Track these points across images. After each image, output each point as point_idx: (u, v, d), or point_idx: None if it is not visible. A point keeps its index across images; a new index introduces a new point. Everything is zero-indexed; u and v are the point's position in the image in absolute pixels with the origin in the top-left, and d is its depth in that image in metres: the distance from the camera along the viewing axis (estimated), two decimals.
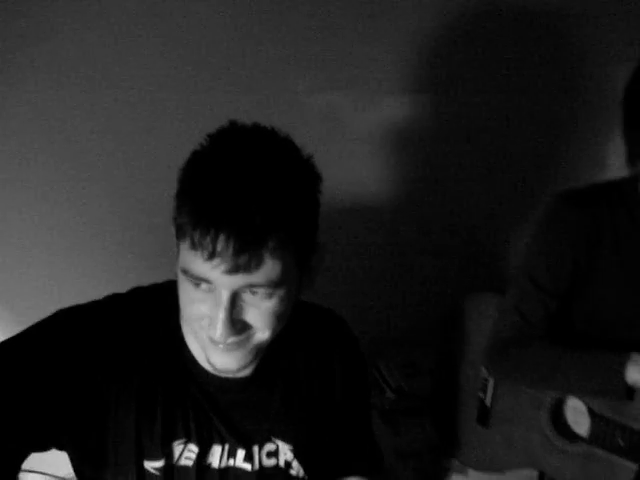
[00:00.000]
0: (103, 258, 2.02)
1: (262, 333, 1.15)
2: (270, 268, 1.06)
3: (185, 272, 1.09)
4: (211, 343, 1.14)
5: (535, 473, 1.91)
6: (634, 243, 1.67)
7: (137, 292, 1.28)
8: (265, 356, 1.25)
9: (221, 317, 1.08)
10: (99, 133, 1.96)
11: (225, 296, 1.08)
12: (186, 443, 1.24)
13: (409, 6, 2.14)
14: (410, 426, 2.27)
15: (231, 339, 1.12)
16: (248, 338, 1.15)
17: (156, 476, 1.24)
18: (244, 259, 1.04)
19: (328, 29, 2.08)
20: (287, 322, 1.20)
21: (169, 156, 1.31)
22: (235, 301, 1.09)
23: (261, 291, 1.09)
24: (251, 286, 1.08)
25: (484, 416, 1.91)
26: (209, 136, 1.13)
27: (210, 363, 1.18)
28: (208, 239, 1.02)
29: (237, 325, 1.12)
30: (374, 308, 2.48)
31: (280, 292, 1.11)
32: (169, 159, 1.26)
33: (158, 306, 1.26)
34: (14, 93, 1.87)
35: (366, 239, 2.43)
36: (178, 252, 1.12)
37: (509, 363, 1.76)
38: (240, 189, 1.03)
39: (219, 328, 1.09)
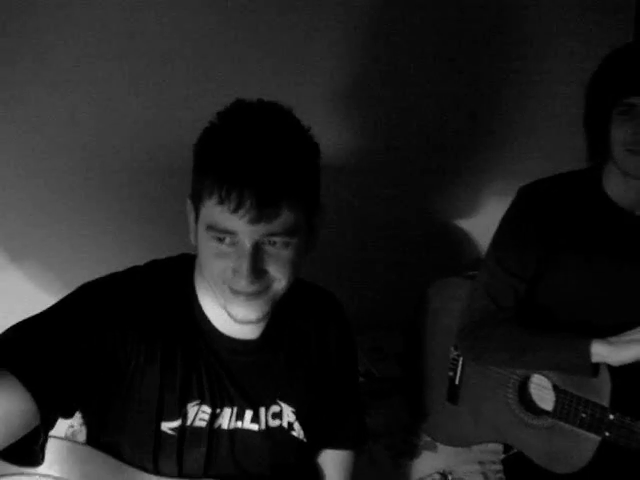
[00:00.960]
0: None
1: (279, 283, 1.27)
2: (286, 218, 1.21)
3: (211, 227, 1.22)
4: (233, 295, 1.26)
5: (500, 447, 2.03)
6: (595, 230, 1.80)
7: (154, 264, 1.40)
8: (270, 323, 1.38)
9: (245, 266, 1.22)
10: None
11: (249, 245, 1.21)
12: (200, 404, 1.34)
13: None
14: (380, 408, 2.35)
15: (253, 287, 1.25)
16: (267, 288, 1.27)
17: (171, 436, 1.33)
18: (266, 210, 1.18)
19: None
20: (291, 295, 1.33)
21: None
22: (257, 252, 1.23)
23: (279, 240, 1.23)
24: (271, 235, 1.22)
25: (454, 394, 2.02)
26: (219, 113, 1.25)
27: (232, 315, 1.29)
28: (234, 194, 1.17)
29: (259, 274, 1.24)
30: (341, 295, 2.56)
31: (294, 241, 1.25)
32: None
33: (174, 275, 1.38)
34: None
35: (332, 227, 2.52)
36: (197, 215, 1.25)
37: (480, 344, 1.86)
38: (258, 154, 1.19)
39: (245, 276, 1.22)
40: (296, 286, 1.36)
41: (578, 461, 1.75)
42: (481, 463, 2.08)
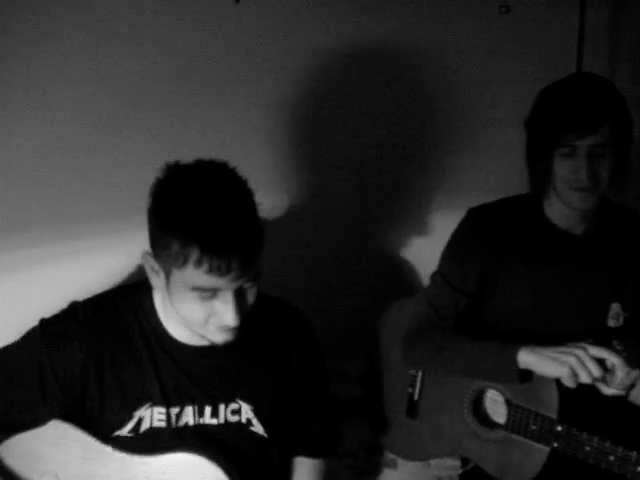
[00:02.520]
0: None
1: (250, 307, 1.51)
2: (256, 268, 1.46)
3: (198, 288, 1.42)
4: (217, 330, 1.49)
5: (458, 463, 2.11)
6: (537, 249, 1.94)
7: (114, 289, 1.67)
8: None
9: (231, 314, 1.45)
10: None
11: (233, 294, 1.44)
12: (152, 406, 1.55)
13: None
14: (343, 429, 2.44)
15: (238, 323, 1.47)
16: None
17: (131, 437, 1.54)
18: (247, 268, 1.42)
19: None
20: (254, 306, 1.54)
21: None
22: (239, 296, 1.46)
23: (251, 283, 1.47)
24: (248, 281, 1.46)
25: (412, 409, 2.11)
26: (166, 178, 1.46)
27: (211, 341, 1.52)
28: (224, 265, 1.38)
29: (241, 310, 1.47)
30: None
31: (259, 279, 1.50)
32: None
33: (131, 296, 1.59)
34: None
35: (288, 261, 2.65)
36: (170, 272, 1.44)
37: (419, 350, 1.99)
38: (229, 222, 1.39)
39: (234, 318, 1.45)
40: (261, 298, 1.55)
41: (529, 472, 1.84)
42: (440, 479, 2.17)
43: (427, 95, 2.62)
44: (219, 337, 1.50)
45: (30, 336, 1.56)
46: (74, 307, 1.58)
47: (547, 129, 1.82)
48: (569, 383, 1.70)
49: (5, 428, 1.56)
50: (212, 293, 1.43)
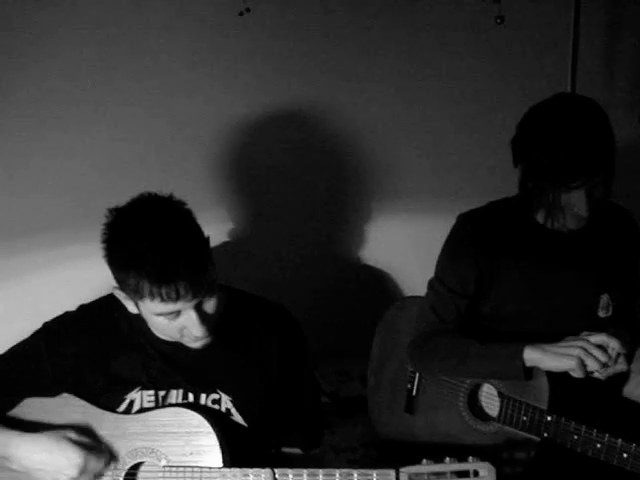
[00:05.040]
0: None
1: (217, 310, 1.69)
2: (209, 281, 1.63)
3: (160, 314, 1.61)
4: (192, 339, 1.68)
5: None
6: (528, 250, 2.01)
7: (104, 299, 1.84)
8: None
9: (198, 323, 1.63)
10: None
11: (194, 311, 1.62)
12: (141, 390, 1.75)
13: None
14: (344, 425, 2.53)
15: (207, 331, 1.66)
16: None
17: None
18: (196, 289, 1.59)
19: None
20: (236, 304, 1.79)
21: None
22: (199, 309, 1.63)
23: (208, 295, 1.65)
24: (204, 296, 1.63)
25: (411, 405, 2.18)
26: (121, 211, 1.64)
27: (190, 346, 1.71)
28: (173, 294, 1.56)
29: (207, 322, 1.65)
30: (308, 324, 2.74)
31: (215, 289, 1.67)
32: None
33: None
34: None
35: (291, 263, 2.74)
36: (137, 302, 1.64)
37: (426, 354, 2.06)
38: (169, 253, 1.55)
39: (201, 331, 1.64)
40: (245, 298, 1.83)
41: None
42: None
43: (424, 102, 2.72)
44: (195, 344, 1.71)
45: (34, 335, 1.81)
46: (74, 311, 1.83)
47: (549, 176, 1.85)
48: (579, 374, 1.79)
49: (11, 398, 1.79)
50: (175, 314, 1.61)
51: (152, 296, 1.56)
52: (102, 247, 1.64)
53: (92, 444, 1.70)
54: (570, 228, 1.95)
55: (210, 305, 1.66)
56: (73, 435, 1.69)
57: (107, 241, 1.63)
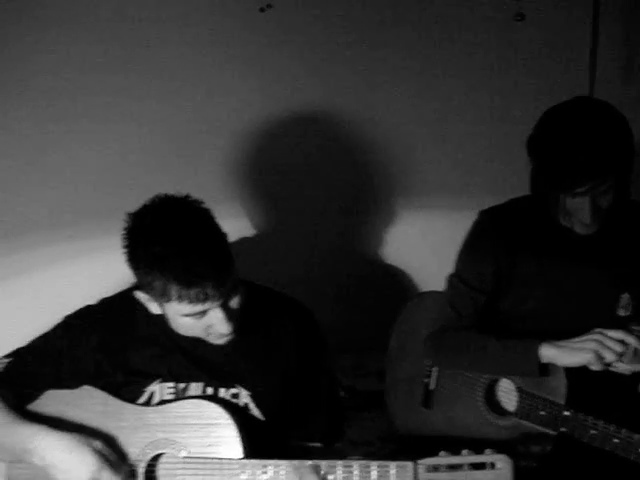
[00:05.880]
0: None
1: (240, 308, 1.71)
2: (231, 282, 1.64)
3: (187, 315, 1.63)
4: (217, 337, 1.70)
5: None
6: (547, 247, 2.02)
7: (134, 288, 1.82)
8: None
9: (225, 320, 1.65)
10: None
11: (221, 309, 1.64)
12: (162, 382, 1.77)
13: None
14: (361, 419, 2.54)
15: (232, 329, 1.68)
16: None
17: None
18: (223, 288, 1.61)
19: None
20: (255, 301, 1.79)
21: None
22: (225, 307, 1.65)
23: (232, 293, 1.67)
24: (228, 296, 1.65)
25: (428, 399, 2.20)
26: (141, 215, 1.65)
27: (215, 343, 1.73)
28: (201, 295, 1.58)
29: (232, 317, 1.66)
30: (326, 318, 2.76)
31: (238, 287, 1.69)
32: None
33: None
34: None
35: (311, 260, 2.76)
36: (162, 303, 1.66)
37: (444, 349, 2.08)
38: (196, 255, 1.58)
39: (228, 328, 1.66)
40: (262, 292, 1.86)
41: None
42: None
43: (445, 99, 2.73)
44: (220, 341, 1.72)
45: (56, 328, 1.83)
46: (95, 305, 1.85)
47: (551, 180, 1.86)
48: (597, 367, 1.81)
49: (34, 391, 1.82)
50: (202, 313, 1.63)
51: (180, 298, 1.59)
52: (124, 252, 1.65)
53: (114, 459, 1.70)
54: (581, 233, 1.94)
55: (235, 302, 1.68)
56: (98, 444, 1.69)
57: (129, 246, 1.64)
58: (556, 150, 1.82)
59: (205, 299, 1.59)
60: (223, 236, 1.67)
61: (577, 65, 2.77)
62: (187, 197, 1.67)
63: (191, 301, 1.58)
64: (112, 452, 1.70)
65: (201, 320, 1.65)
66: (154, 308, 1.71)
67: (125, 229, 1.65)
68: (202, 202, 1.68)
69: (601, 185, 1.81)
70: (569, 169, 1.79)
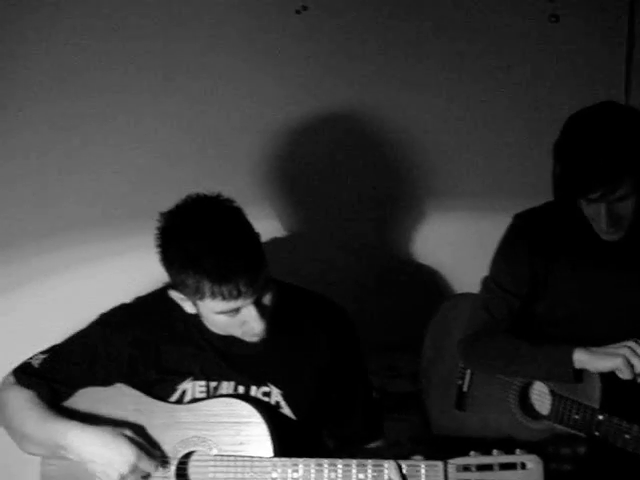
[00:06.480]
0: None
1: (272, 306, 1.71)
2: (263, 279, 1.65)
3: (221, 312, 1.64)
4: (250, 335, 1.71)
5: None
6: (583, 252, 2.00)
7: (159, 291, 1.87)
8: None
9: (258, 318, 1.66)
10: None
11: (254, 306, 1.65)
12: (194, 380, 1.79)
13: None
14: (392, 421, 2.53)
15: (265, 327, 1.69)
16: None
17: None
18: (256, 285, 1.62)
19: None
20: (289, 300, 1.80)
21: None
22: (259, 305, 1.66)
23: (265, 290, 1.67)
24: (260, 293, 1.66)
25: (461, 401, 2.19)
26: (173, 214, 1.67)
27: (248, 341, 1.74)
28: (234, 292, 1.59)
29: (265, 314, 1.66)
30: (359, 318, 2.76)
31: (270, 283, 1.70)
32: None
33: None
34: None
35: (343, 262, 2.77)
36: (195, 302, 1.67)
37: (477, 352, 2.07)
38: (229, 253, 1.59)
39: (261, 325, 1.67)
40: (294, 291, 1.86)
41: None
42: None
43: (479, 101, 2.72)
44: (254, 339, 1.73)
45: (91, 325, 1.86)
46: (130, 303, 1.88)
47: (570, 186, 1.84)
48: (625, 374, 1.79)
49: (69, 388, 1.84)
50: (235, 311, 1.64)
51: (213, 295, 1.60)
52: (157, 251, 1.67)
53: (147, 445, 1.74)
54: (606, 239, 1.91)
55: (267, 299, 1.69)
56: (129, 433, 1.72)
57: (163, 244, 1.66)
58: (570, 156, 1.82)
59: (238, 295, 1.60)
60: (255, 233, 1.68)
61: (612, 68, 2.74)
62: (219, 196, 1.68)
63: (224, 298, 1.59)
64: (142, 437, 1.74)
65: (235, 318, 1.66)
66: (188, 307, 1.72)
67: (158, 228, 1.67)
68: (233, 201, 1.69)
69: (615, 192, 1.78)
70: (581, 175, 1.78)
